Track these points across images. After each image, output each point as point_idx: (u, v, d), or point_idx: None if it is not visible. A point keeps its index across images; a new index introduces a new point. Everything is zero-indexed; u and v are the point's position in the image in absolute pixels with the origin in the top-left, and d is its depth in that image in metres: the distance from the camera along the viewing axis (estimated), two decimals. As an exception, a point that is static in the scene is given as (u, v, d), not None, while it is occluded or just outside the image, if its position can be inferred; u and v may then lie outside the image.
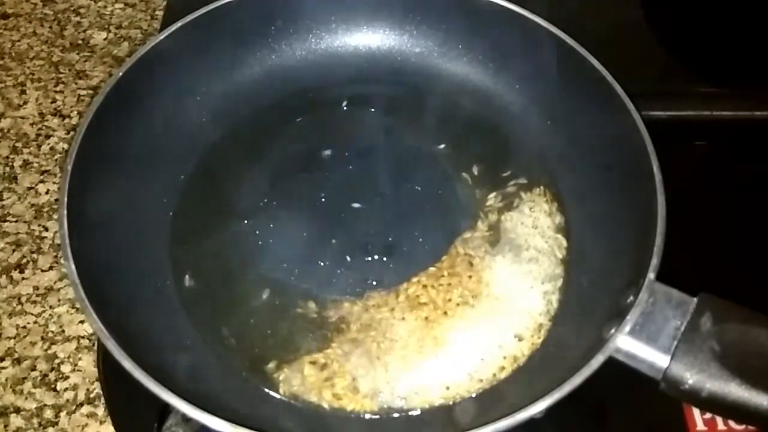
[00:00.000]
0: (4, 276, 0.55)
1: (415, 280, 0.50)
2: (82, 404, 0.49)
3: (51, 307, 0.53)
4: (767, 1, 0.70)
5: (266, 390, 0.45)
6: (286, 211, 0.53)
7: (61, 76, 0.67)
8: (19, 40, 0.70)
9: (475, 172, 0.55)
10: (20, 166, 0.61)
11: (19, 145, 0.62)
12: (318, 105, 0.59)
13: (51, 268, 0.55)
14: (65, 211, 0.44)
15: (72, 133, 0.63)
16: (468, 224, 0.52)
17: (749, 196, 0.57)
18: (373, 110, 0.59)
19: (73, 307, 0.53)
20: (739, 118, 0.60)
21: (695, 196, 0.54)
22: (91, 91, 0.66)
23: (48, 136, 0.63)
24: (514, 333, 0.47)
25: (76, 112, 0.65)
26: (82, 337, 0.52)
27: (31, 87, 0.66)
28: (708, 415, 0.47)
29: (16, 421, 0.48)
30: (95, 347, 0.51)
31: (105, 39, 0.70)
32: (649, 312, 0.40)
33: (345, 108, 0.59)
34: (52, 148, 0.62)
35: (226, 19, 0.56)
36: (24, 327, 0.52)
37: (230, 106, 0.58)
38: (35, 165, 0.61)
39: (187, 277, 0.50)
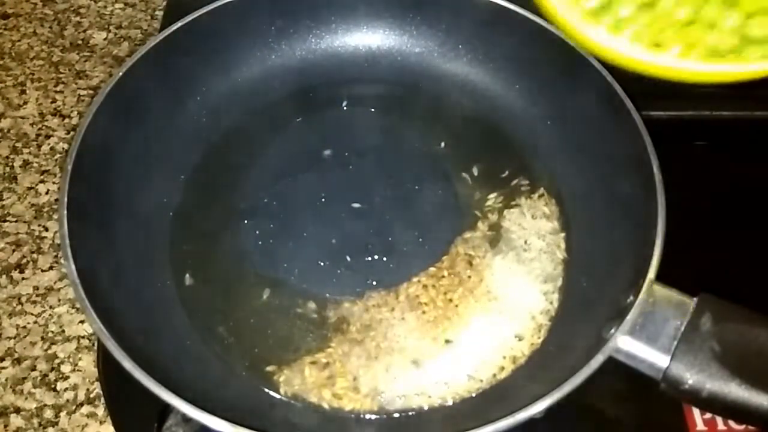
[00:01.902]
0: (4, 276, 0.55)
1: (415, 280, 0.50)
2: (82, 404, 0.49)
3: (51, 307, 0.53)
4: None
5: (266, 390, 0.45)
6: (286, 211, 0.53)
7: (61, 76, 0.67)
8: (19, 40, 0.70)
9: (475, 172, 0.55)
10: (20, 166, 0.61)
11: (19, 145, 0.62)
12: (318, 105, 0.59)
13: (51, 268, 0.55)
14: (65, 211, 0.44)
15: (72, 133, 0.63)
16: (468, 224, 0.52)
17: (749, 196, 0.57)
18: (373, 110, 0.59)
19: (73, 307, 0.53)
20: (739, 118, 0.60)
21: (695, 196, 0.54)
22: (91, 91, 0.66)
23: (48, 136, 0.63)
24: (514, 333, 0.47)
25: (76, 112, 0.65)
26: (82, 337, 0.52)
27: (31, 87, 0.66)
28: (708, 415, 0.47)
29: (16, 421, 0.48)
30: (95, 347, 0.51)
31: (105, 39, 0.70)
32: (649, 312, 0.40)
33: (345, 108, 0.59)
34: (52, 148, 0.62)
35: (226, 19, 0.56)
36: (24, 327, 0.52)
37: (230, 106, 0.58)
38: (35, 165, 0.61)
39: (187, 277, 0.50)
